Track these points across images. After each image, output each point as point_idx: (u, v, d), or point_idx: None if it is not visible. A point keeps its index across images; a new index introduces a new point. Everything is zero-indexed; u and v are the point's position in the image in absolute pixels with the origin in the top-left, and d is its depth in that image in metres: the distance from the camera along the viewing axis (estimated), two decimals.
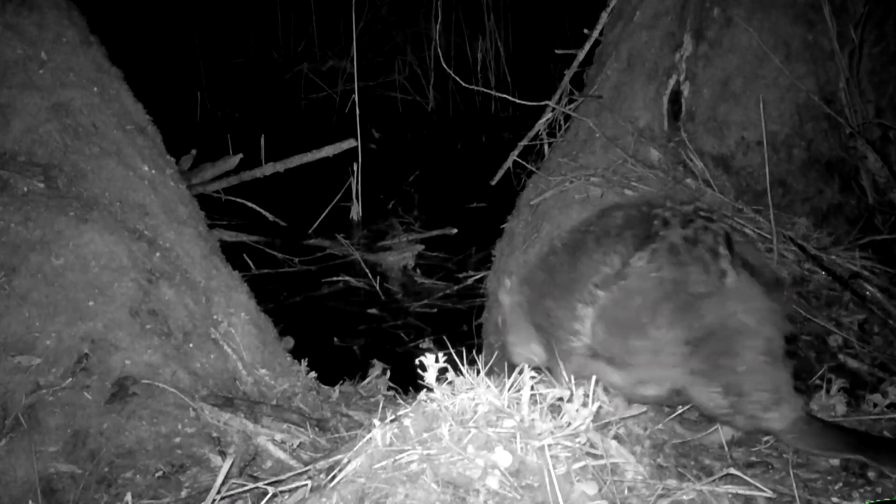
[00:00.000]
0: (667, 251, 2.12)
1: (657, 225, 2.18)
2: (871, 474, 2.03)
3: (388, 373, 3.41)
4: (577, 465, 1.62)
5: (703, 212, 2.23)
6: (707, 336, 2.10)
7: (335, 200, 5.95)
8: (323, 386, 3.17)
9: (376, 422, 1.75)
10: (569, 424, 1.67)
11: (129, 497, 2.08)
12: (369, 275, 5.07)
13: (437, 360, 1.80)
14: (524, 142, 4.84)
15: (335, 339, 4.31)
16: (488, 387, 1.76)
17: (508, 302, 2.52)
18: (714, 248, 2.12)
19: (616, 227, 2.24)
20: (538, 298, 2.41)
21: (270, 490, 1.78)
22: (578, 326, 2.26)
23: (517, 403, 1.71)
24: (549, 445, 1.61)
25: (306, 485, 1.79)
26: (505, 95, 4.96)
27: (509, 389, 1.75)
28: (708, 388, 2.14)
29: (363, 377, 3.39)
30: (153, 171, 3.20)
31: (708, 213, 2.24)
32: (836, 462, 2.15)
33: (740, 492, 1.80)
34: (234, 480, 2.09)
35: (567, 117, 4.63)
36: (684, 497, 1.70)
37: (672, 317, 2.11)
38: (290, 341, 3.70)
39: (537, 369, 2.09)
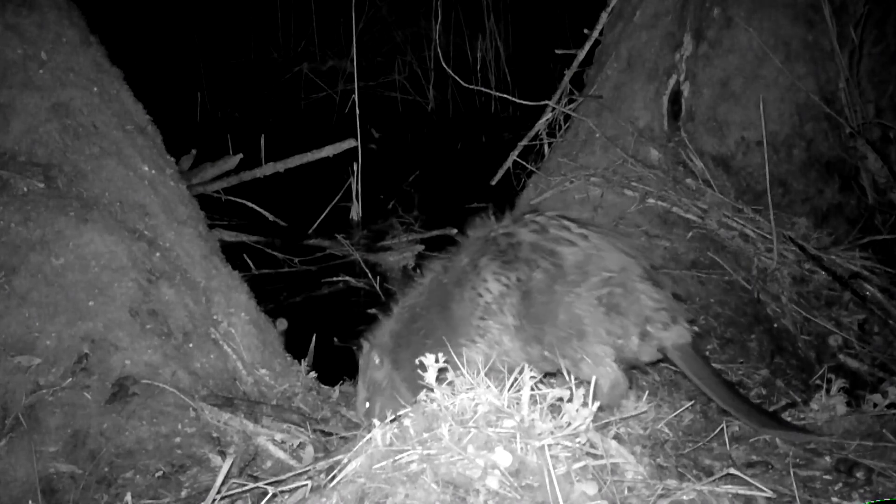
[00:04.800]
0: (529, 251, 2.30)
1: (502, 242, 2.35)
2: (859, 474, 2.03)
3: None
4: (577, 465, 1.62)
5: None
6: (610, 298, 2.26)
7: (335, 200, 5.94)
8: (323, 386, 3.17)
9: (376, 422, 1.75)
10: (569, 424, 1.67)
11: (129, 497, 2.08)
12: (369, 275, 5.06)
13: (437, 360, 1.80)
14: (524, 142, 4.84)
15: (335, 339, 4.30)
16: (488, 387, 1.76)
17: (381, 376, 2.54)
18: (562, 224, 2.33)
19: (469, 264, 2.38)
20: (410, 360, 2.42)
21: (270, 490, 1.78)
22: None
23: (517, 403, 1.71)
24: (549, 445, 1.61)
25: (306, 485, 1.79)
26: (505, 95, 4.97)
27: (509, 389, 1.75)
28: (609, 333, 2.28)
29: None
30: (153, 171, 3.19)
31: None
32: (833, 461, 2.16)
33: (740, 492, 1.80)
34: (234, 480, 2.09)
35: (567, 117, 4.63)
36: (684, 497, 1.70)
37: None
38: (283, 322, 3.71)
39: None
